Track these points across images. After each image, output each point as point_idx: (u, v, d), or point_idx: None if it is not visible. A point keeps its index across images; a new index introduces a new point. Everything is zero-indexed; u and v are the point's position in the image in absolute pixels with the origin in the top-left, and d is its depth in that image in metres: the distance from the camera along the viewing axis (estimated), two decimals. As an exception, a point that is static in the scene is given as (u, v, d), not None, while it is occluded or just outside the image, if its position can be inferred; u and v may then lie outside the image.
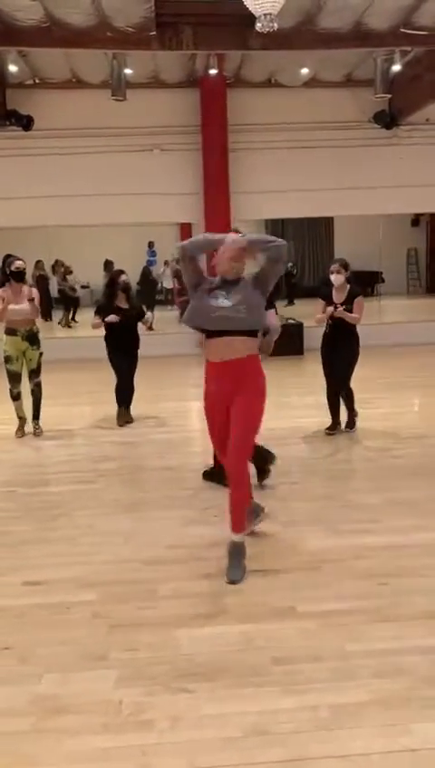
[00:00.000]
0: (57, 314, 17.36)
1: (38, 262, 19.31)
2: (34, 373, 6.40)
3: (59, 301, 17.51)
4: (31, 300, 6.19)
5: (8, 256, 6.27)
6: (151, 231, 18.45)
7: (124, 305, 6.76)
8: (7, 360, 6.33)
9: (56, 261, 18.80)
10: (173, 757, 2.29)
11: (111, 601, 3.33)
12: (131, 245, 19.96)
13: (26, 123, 10.52)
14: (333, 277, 5.76)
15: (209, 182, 11.14)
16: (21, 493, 5.02)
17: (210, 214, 11.16)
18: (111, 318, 6.57)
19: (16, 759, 2.31)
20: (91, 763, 2.27)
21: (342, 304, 5.80)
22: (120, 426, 6.77)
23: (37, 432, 6.52)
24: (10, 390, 6.42)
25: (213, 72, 9.54)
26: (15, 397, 6.42)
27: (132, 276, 15.53)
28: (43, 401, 6.55)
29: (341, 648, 2.88)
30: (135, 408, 7.07)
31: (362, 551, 3.79)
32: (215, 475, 4.81)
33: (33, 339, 6.32)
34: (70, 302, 17.08)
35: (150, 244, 19.95)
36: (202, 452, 5.56)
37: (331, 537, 4.00)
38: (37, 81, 10.86)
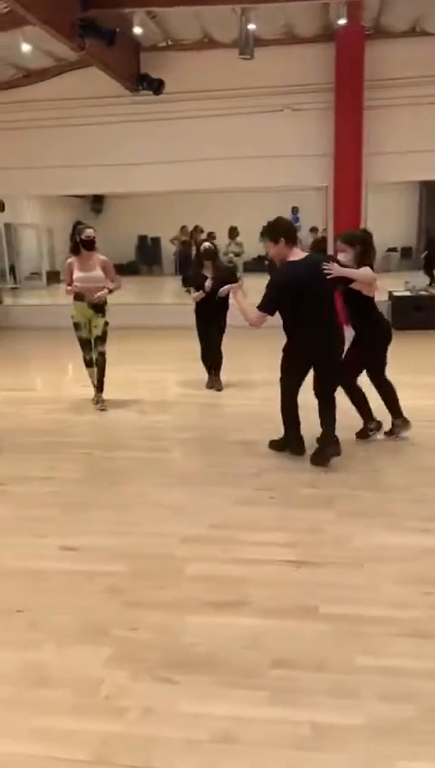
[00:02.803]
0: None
1: (183, 227, 19.67)
2: (99, 341, 6.36)
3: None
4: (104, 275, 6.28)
5: (78, 223, 6.31)
6: (295, 196, 18.00)
7: (210, 272, 6.75)
8: (76, 326, 6.37)
9: (195, 227, 18.99)
10: (130, 752, 2.18)
11: (135, 576, 3.26)
12: (278, 211, 19.67)
13: (157, 87, 10.51)
14: (340, 257, 4.87)
15: (342, 143, 10.53)
16: (95, 456, 5.11)
17: (341, 177, 10.60)
18: (196, 295, 6.79)
19: (-16, 726, 2.32)
20: (48, 744, 2.22)
21: None
22: (209, 388, 6.96)
23: (100, 407, 6.38)
24: (83, 356, 6.50)
25: (342, 21, 8.90)
26: (88, 363, 6.46)
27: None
28: (141, 367, 6.62)
29: (351, 659, 2.60)
30: (228, 378, 7.01)
31: (416, 552, 3.41)
32: (281, 444, 4.89)
33: (98, 307, 6.30)
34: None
35: (294, 210, 19.49)
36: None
37: (387, 533, 3.64)
38: (170, 42, 10.80)
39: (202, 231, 19.07)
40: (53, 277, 21.43)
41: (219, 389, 6.98)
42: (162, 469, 4.77)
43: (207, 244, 7.04)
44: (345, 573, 3.23)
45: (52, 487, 4.45)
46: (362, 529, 3.69)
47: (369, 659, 2.59)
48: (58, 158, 11.58)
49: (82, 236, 6.18)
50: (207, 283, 6.63)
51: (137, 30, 8.57)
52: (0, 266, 18.94)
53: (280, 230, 4.51)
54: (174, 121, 11.03)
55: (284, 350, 4.72)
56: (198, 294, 6.76)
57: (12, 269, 19.81)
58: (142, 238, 25.05)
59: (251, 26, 8.44)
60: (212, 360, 7.07)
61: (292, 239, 4.52)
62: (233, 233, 15.64)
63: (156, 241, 24.58)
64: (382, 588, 3.09)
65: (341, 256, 4.81)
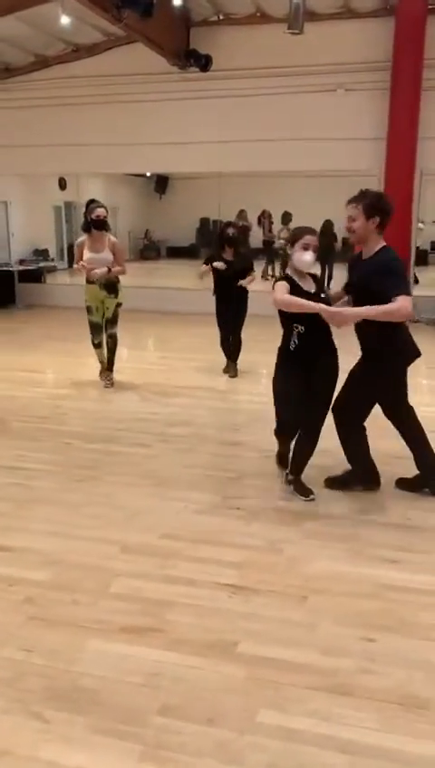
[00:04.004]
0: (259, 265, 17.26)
1: (241, 211, 19.24)
2: (110, 323, 6.22)
3: (262, 252, 17.34)
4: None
5: (91, 201, 6.06)
6: (358, 180, 17.29)
7: (229, 258, 6.56)
8: (88, 310, 6.24)
9: (262, 211, 18.50)
10: (-40, 803, 1.93)
11: (56, 587, 3.00)
12: (337, 198, 18.93)
13: (205, 63, 10.14)
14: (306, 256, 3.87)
15: (396, 126, 9.86)
16: (74, 446, 4.88)
17: (392, 162, 9.95)
18: (219, 264, 6.47)
19: None
20: None
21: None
22: (225, 373, 6.93)
23: (107, 384, 6.40)
24: (91, 339, 6.35)
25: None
26: (96, 345, 6.38)
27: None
28: (167, 354, 6.43)
29: (251, 714, 2.25)
30: (244, 369, 6.75)
31: (373, 588, 3.01)
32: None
33: (111, 288, 6.11)
34: (273, 254, 16.74)
35: (355, 198, 18.70)
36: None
37: (348, 561, 3.24)
38: (221, 17, 10.37)
39: (269, 216, 18.58)
40: (112, 256, 21.49)
41: (233, 376, 6.89)
42: (137, 467, 4.48)
43: (230, 230, 6.70)
44: (283, 606, 2.87)
45: (15, 479, 4.25)
46: (321, 553, 3.30)
47: (271, 716, 2.24)
48: (106, 136, 11.39)
49: (93, 216, 5.94)
50: (218, 264, 6.40)
51: (177, 2, 8.20)
52: (59, 244, 19.01)
53: (380, 208, 3.60)
54: (221, 100, 10.64)
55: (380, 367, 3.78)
56: (206, 268, 6.59)
57: (70, 248, 19.91)
58: (204, 221, 24.76)
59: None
60: (231, 345, 6.95)
61: (384, 225, 3.65)
62: (286, 218, 15.10)
63: (218, 224, 24.22)
64: (319, 628, 2.72)
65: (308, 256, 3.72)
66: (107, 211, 5.96)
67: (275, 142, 10.67)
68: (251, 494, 4.02)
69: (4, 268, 12.54)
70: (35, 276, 13.29)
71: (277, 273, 16.70)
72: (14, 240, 17.19)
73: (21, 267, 13.08)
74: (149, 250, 24.18)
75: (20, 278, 12.45)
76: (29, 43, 10.73)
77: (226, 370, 6.98)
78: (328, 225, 14.12)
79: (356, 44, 9.89)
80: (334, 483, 4.06)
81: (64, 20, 8.83)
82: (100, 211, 5.93)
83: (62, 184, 19.18)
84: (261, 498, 3.96)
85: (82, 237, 6.09)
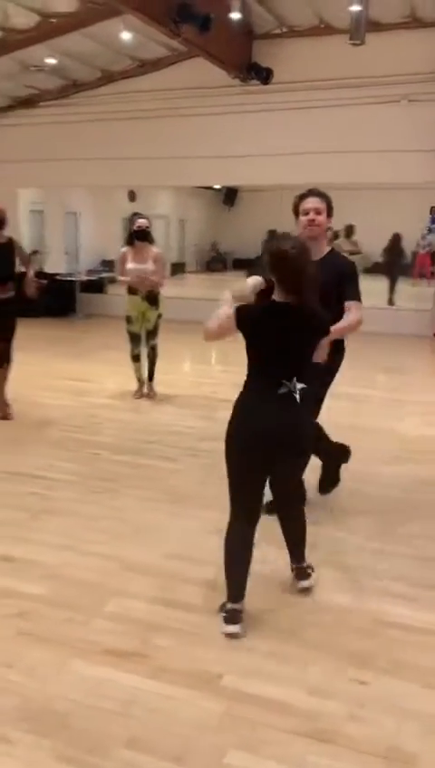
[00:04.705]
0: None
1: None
2: (151, 335, 6.22)
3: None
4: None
5: (135, 214, 6.10)
6: (425, 194, 16.80)
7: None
8: (128, 320, 6.27)
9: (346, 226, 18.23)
10: None
11: (52, 602, 2.97)
12: (413, 211, 18.49)
13: (265, 76, 10.10)
14: None
15: (462, 137, 9.54)
16: (101, 457, 4.88)
17: (457, 175, 9.61)
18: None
19: None
20: None
21: None
22: None
23: (150, 394, 6.41)
24: (131, 350, 6.35)
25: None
26: (135, 358, 6.37)
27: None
28: (220, 367, 6.36)
29: (220, 754, 2.13)
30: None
31: (372, 623, 2.83)
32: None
33: (153, 300, 6.12)
34: None
35: (433, 211, 18.23)
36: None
37: (349, 593, 3.07)
38: (284, 29, 10.31)
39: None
40: (179, 268, 21.68)
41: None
42: (158, 481, 4.43)
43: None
44: (277, 638, 2.73)
45: (36, 488, 4.27)
46: (324, 583, 3.13)
47: (240, 759, 2.11)
48: (170, 149, 11.49)
49: (134, 227, 5.99)
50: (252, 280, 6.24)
51: (236, 16, 8.20)
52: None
53: (332, 212, 3.50)
54: (283, 112, 10.56)
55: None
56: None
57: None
58: (272, 233, 24.71)
59: (356, 8, 7.76)
60: None
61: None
62: (349, 231, 14.84)
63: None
64: (310, 665, 2.57)
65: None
66: (149, 223, 5.99)
67: (338, 154, 10.49)
68: (266, 517, 3.87)
69: (67, 278, 12.82)
70: (97, 286, 13.53)
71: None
72: (83, 250, 17.65)
73: (85, 277, 13.34)
74: (216, 262, 24.32)
75: (82, 288, 12.70)
76: (96, 60, 10.98)
77: None
78: (396, 240, 13.81)
79: (421, 54, 9.62)
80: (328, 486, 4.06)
81: (126, 35, 9.00)
82: (141, 222, 5.97)
83: (132, 196, 19.56)
84: (276, 521, 3.81)
85: (125, 248, 6.13)
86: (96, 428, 5.58)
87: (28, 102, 12.27)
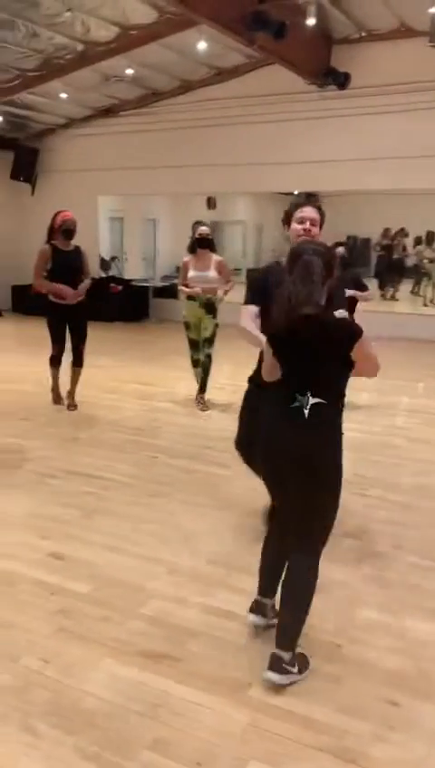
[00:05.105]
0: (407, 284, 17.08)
1: (386, 230, 18.73)
2: (207, 343, 6.22)
3: (393, 269, 17.16)
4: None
5: (196, 223, 6.14)
6: None
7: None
8: (186, 326, 6.31)
9: (400, 229, 17.95)
10: None
11: (93, 601, 3.03)
12: None
13: (343, 81, 9.99)
14: None
15: None
16: (158, 461, 4.95)
17: None
18: None
19: None
20: None
21: None
22: None
23: (201, 407, 6.34)
24: (191, 356, 6.39)
25: None
26: (194, 363, 6.41)
27: None
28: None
29: (240, 765, 2.12)
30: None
31: (411, 643, 2.75)
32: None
33: (210, 308, 6.14)
34: (416, 273, 16.54)
35: None
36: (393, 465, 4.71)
37: (392, 611, 2.98)
38: (363, 33, 10.16)
39: (407, 234, 18.00)
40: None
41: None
42: (210, 487, 4.45)
43: (340, 249, 6.52)
44: (312, 652, 2.67)
45: (92, 488, 4.38)
46: (369, 600, 3.07)
47: (259, 771, 2.10)
48: (246, 156, 11.56)
49: (196, 235, 6.05)
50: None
51: (311, 21, 8.15)
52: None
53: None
54: (360, 117, 10.41)
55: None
56: None
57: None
58: (351, 239, 24.39)
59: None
60: None
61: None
62: (430, 238, 14.47)
63: (365, 242, 23.83)
64: (343, 682, 2.51)
65: None
66: (211, 231, 6.05)
67: (417, 159, 10.26)
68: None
69: (142, 283, 13.09)
70: (171, 292, 13.72)
71: (422, 292, 16.11)
72: (160, 256, 17.96)
73: (159, 283, 13.59)
74: (293, 267, 24.20)
75: (156, 293, 12.93)
76: (174, 69, 11.16)
77: None
78: None
79: None
80: None
81: (201, 45, 9.10)
82: (203, 230, 6.03)
83: (211, 203, 19.74)
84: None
85: (187, 257, 6.20)
86: (156, 432, 5.67)
87: (108, 112, 12.63)
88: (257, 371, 3.11)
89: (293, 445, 2.47)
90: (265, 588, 2.80)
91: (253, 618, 2.79)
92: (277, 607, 2.70)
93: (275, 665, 2.44)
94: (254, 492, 4.29)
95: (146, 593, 3.10)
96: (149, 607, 2.99)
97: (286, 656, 2.46)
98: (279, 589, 2.70)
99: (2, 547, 3.54)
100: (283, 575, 2.65)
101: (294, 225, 3.22)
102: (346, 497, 4.22)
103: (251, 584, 3.11)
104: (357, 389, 6.92)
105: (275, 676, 2.43)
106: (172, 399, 6.76)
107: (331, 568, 3.33)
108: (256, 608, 2.79)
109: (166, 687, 2.47)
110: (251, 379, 3.45)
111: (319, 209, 3.28)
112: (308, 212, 3.23)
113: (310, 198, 3.36)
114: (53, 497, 4.22)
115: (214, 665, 2.59)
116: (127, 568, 3.34)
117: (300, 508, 2.53)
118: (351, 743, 2.21)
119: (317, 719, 2.31)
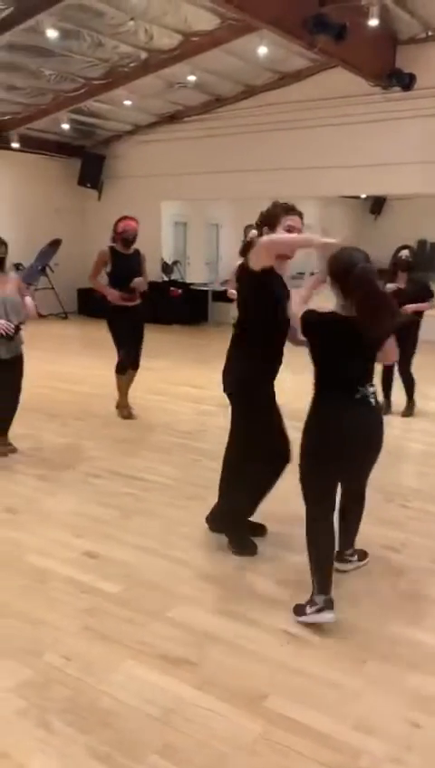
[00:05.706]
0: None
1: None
2: None
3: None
4: None
5: (248, 226, 6.10)
6: None
7: (401, 285, 6.15)
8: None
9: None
10: None
11: (121, 602, 3.06)
12: None
13: (408, 82, 9.77)
14: None
15: None
16: (201, 464, 4.94)
17: None
18: None
19: None
20: None
21: None
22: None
23: None
24: None
25: None
26: None
27: None
28: None
29: (247, 777, 2.09)
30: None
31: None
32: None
33: None
34: None
35: None
36: None
37: (423, 627, 2.88)
38: (430, 33, 9.91)
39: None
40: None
41: (406, 415, 6.34)
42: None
43: (405, 252, 6.34)
44: (336, 665, 2.62)
45: (132, 488, 4.42)
46: (399, 615, 2.96)
47: (266, 785, 2.06)
48: (310, 159, 11.46)
49: (247, 238, 6.04)
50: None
51: (373, 23, 8.00)
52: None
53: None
54: (427, 119, 10.16)
55: None
56: None
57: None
58: (421, 243, 23.82)
59: None
60: (403, 382, 6.40)
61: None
62: None
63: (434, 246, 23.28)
64: (364, 698, 2.44)
65: None
66: (260, 234, 6.00)
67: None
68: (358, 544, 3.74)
69: (201, 287, 13.17)
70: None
71: None
72: (222, 261, 18.03)
73: (219, 287, 13.62)
74: (359, 271, 23.83)
75: (215, 297, 12.99)
76: (237, 75, 11.18)
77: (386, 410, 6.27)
78: None
79: None
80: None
81: (262, 50, 9.08)
82: (252, 233, 6.00)
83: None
84: (362, 544, 3.66)
85: (239, 261, 6.18)
86: (201, 435, 5.68)
87: (173, 118, 12.77)
88: (252, 367, 3.59)
89: (369, 429, 2.93)
90: (330, 584, 2.90)
91: (330, 615, 2.81)
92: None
93: (343, 559, 3.24)
94: (286, 503, 4.26)
95: (173, 597, 3.11)
96: (174, 611, 2.99)
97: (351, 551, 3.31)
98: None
99: (39, 544, 3.62)
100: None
101: (281, 232, 3.21)
102: (388, 508, 4.14)
103: (278, 593, 3.09)
104: (431, 398, 6.79)
105: (347, 566, 3.26)
106: (221, 403, 6.72)
107: (366, 580, 3.27)
108: (330, 605, 2.84)
109: (182, 692, 2.46)
110: (251, 379, 3.55)
111: (302, 218, 3.37)
112: (298, 222, 3.32)
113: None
114: (94, 497, 4.29)
115: (232, 673, 2.57)
116: (157, 570, 3.35)
117: (366, 471, 3.10)
118: (364, 762, 2.15)
119: (332, 735, 2.26)
